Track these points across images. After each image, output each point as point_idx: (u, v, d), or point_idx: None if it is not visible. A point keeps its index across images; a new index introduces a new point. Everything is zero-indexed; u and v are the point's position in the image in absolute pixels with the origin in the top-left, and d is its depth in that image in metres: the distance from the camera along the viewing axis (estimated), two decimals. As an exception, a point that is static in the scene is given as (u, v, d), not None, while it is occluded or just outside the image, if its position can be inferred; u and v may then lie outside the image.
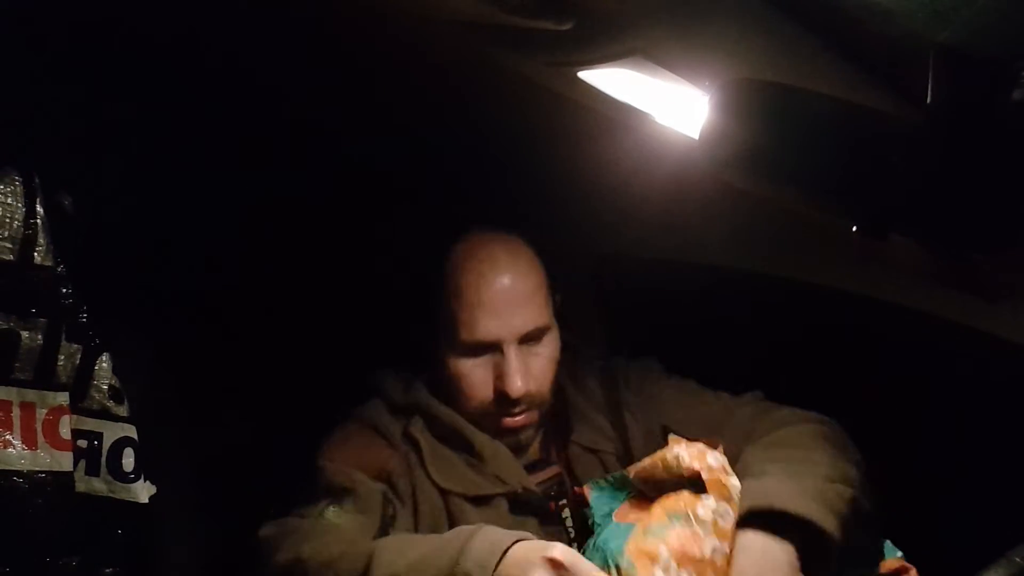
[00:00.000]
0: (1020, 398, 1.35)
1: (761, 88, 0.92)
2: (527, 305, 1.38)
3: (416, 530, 1.37)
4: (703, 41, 1.05)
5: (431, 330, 1.42)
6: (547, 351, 1.42)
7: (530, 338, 1.39)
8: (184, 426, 1.43)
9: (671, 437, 1.38)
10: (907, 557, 1.37)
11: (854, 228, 0.90)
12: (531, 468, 1.46)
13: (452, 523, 1.36)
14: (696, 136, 0.97)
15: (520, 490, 1.40)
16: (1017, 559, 1.02)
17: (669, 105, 1.19)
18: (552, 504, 1.44)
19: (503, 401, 1.38)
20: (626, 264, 1.81)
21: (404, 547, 1.21)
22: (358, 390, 1.52)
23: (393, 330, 1.54)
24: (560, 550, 1.12)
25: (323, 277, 1.70)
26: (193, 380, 1.48)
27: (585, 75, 1.18)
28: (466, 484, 1.39)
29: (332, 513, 1.31)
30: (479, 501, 1.38)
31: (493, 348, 1.37)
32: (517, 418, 1.41)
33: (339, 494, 1.33)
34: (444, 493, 1.38)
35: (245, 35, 1.38)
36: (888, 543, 1.36)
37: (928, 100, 0.82)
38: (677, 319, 1.69)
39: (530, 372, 1.39)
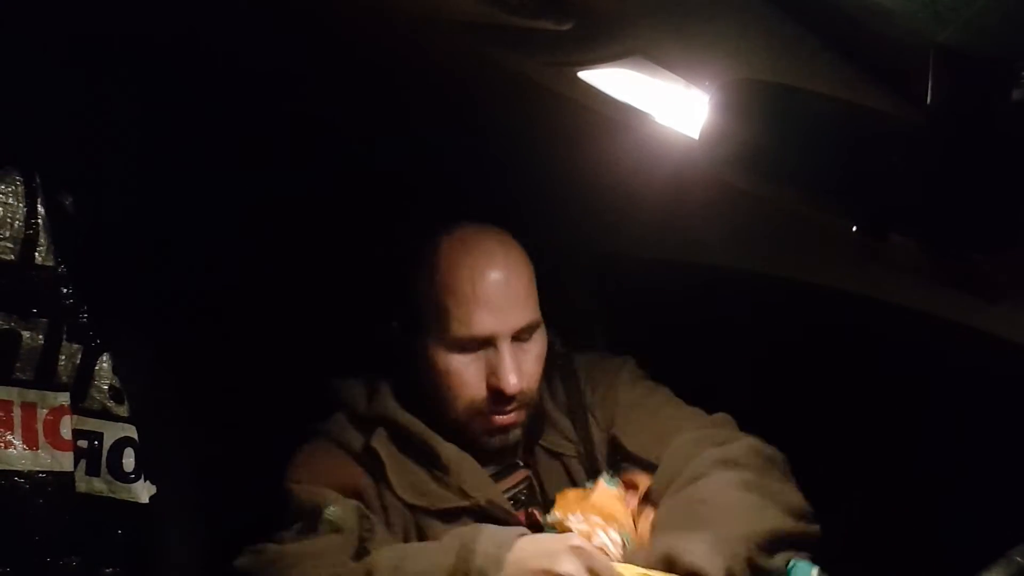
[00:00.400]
0: (1020, 398, 1.36)
1: (761, 88, 0.92)
2: (521, 300, 1.35)
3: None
4: (703, 41, 1.05)
5: (411, 326, 1.38)
6: (537, 348, 1.39)
7: (522, 334, 1.36)
8: (184, 426, 1.43)
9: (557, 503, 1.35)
10: (908, 557, 1.37)
11: (854, 228, 0.90)
12: (499, 475, 1.43)
13: (421, 538, 1.33)
14: (696, 136, 0.97)
15: (484, 503, 1.35)
16: (1017, 559, 1.02)
17: (669, 105, 1.19)
18: (522, 513, 1.41)
19: (496, 399, 1.35)
20: (626, 264, 1.81)
21: (402, 560, 1.19)
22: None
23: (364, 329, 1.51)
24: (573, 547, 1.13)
25: (323, 277, 1.70)
26: (193, 380, 1.48)
27: (585, 75, 1.18)
28: (431, 498, 1.35)
29: (310, 534, 1.27)
30: (445, 515, 1.35)
31: (486, 344, 1.34)
32: (508, 416, 1.37)
33: (312, 515, 1.28)
34: (411, 508, 1.35)
35: (245, 35, 1.38)
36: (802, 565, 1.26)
37: (928, 100, 0.82)
38: (677, 319, 1.69)
39: (522, 369, 1.35)
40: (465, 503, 1.35)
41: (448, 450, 1.37)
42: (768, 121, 0.91)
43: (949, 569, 1.15)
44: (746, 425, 1.47)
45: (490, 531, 1.18)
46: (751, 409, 1.50)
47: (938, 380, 1.52)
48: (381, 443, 1.37)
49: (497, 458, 1.42)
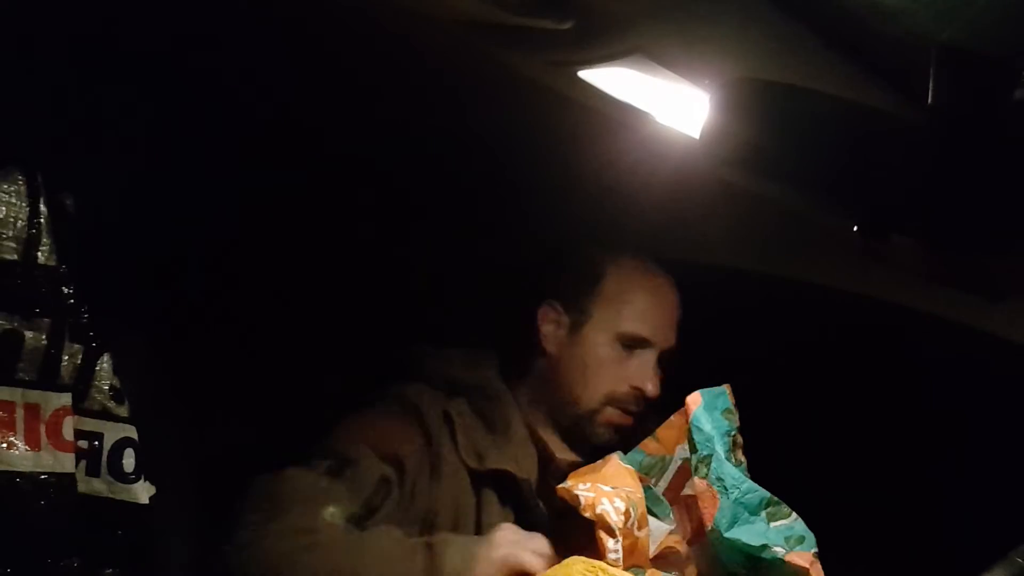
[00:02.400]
0: (1020, 398, 1.36)
1: (762, 87, 0.92)
2: (675, 327, 1.57)
3: (436, 511, 1.44)
4: (704, 41, 1.05)
5: (581, 314, 1.55)
6: (662, 374, 1.55)
7: (665, 356, 1.55)
8: (184, 426, 1.43)
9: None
10: (908, 556, 1.37)
11: (854, 228, 0.90)
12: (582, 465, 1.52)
13: (476, 498, 1.47)
14: (697, 135, 0.97)
15: (522, 476, 1.48)
16: (1018, 559, 1.02)
17: (670, 104, 1.19)
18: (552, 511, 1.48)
19: (629, 397, 1.53)
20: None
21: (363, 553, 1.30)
22: (359, 388, 1.52)
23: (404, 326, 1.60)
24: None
25: (323, 277, 1.70)
26: (193, 380, 1.48)
27: (585, 74, 1.18)
28: (486, 460, 1.48)
29: (329, 476, 1.37)
30: (491, 476, 1.48)
31: (641, 346, 1.53)
32: (627, 417, 1.54)
33: (340, 461, 1.39)
34: (469, 471, 1.48)
35: (246, 36, 1.39)
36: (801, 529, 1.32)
37: (929, 100, 0.82)
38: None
39: (657, 383, 1.54)
40: (513, 471, 1.48)
41: (520, 427, 1.53)
42: (768, 121, 0.91)
43: (949, 569, 1.16)
44: (746, 424, 1.47)
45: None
46: (750, 408, 1.50)
47: (938, 379, 1.52)
48: (459, 409, 1.51)
49: (590, 452, 1.53)
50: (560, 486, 1.38)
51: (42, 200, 1.16)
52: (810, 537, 1.31)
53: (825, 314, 1.59)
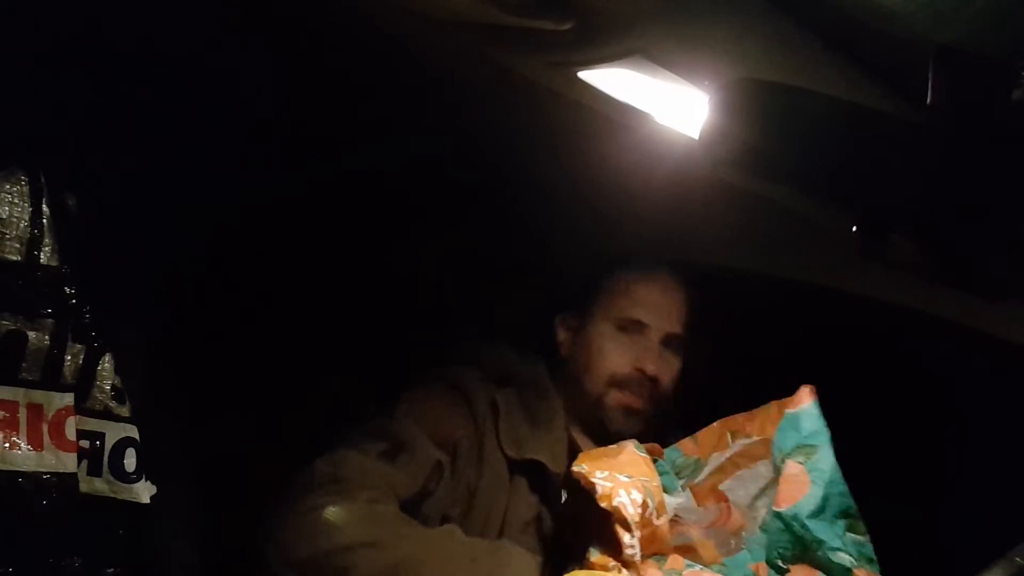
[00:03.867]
0: (1020, 398, 1.36)
1: (761, 88, 0.92)
2: (675, 313, 1.61)
3: (474, 493, 1.50)
4: (703, 41, 1.06)
5: (586, 313, 1.64)
6: (676, 363, 1.61)
7: (670, 341, 1.59)
8: (185, 426, 1.43)
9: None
10: (908, 556, 1.37)
11: (854, 228, 0.90)
12: None
13: (512, 486, 1.53)
14: (696, 136, 0.97)
15: (555, 471, 1.53)
16: (1017, 559, 1.02)
17: (669, 105, 1.19)
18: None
19: (634, 379, 1.57)
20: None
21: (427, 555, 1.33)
22: (360, 389, 1.52)
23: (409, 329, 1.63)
24: None
25: (323, 277, 1.70)
26: (193, 380, 1.48)
27: (585, 75, 1.18)
28: (523, 449, 1.54)
29: (387, 460, 1.42)
30: (524, 465, 1.53)
31: (641, 330, 1.59)
32: (637, 399, 1.57)
33: (396, 445, 1.44)
34: (506, 458, 1.53)
35: (245, 37, 1.39)
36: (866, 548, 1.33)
37: (928, 100, 0.82)
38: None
39: (661, 366, 1.58)
40: (546, 462, 1.54)
41: (561, 424, 1.59)
42: (768, 121, 0.91)
43: (949, 569, 1.16)
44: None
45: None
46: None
47: (937, 380, 1.52)
48: (505, 399, 1.58)
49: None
50: (577, 470, 1.37)
51: (44, 201, 1.17)
52: (876, 563, 1.31)
53: (824, 314, 1.59)
